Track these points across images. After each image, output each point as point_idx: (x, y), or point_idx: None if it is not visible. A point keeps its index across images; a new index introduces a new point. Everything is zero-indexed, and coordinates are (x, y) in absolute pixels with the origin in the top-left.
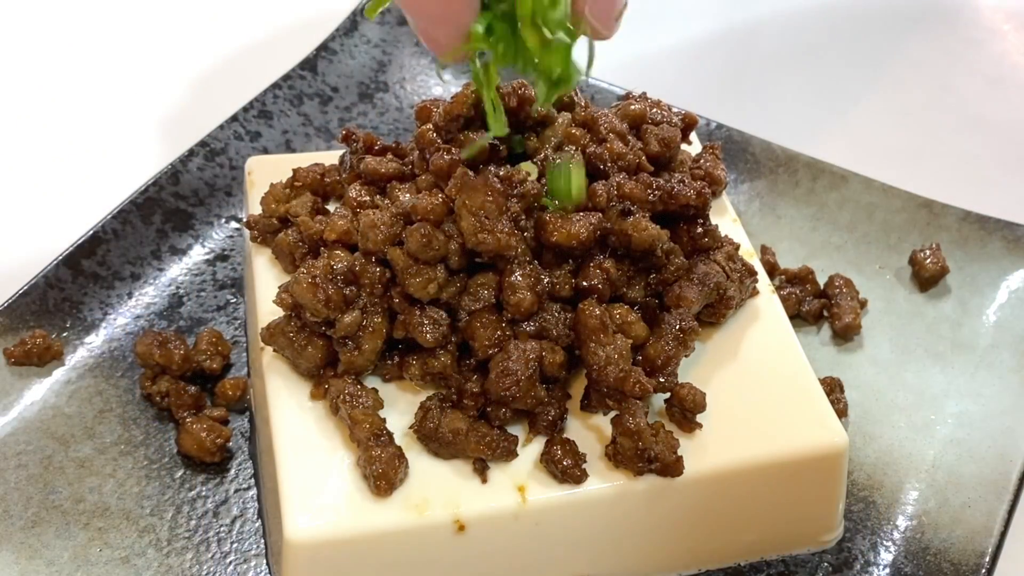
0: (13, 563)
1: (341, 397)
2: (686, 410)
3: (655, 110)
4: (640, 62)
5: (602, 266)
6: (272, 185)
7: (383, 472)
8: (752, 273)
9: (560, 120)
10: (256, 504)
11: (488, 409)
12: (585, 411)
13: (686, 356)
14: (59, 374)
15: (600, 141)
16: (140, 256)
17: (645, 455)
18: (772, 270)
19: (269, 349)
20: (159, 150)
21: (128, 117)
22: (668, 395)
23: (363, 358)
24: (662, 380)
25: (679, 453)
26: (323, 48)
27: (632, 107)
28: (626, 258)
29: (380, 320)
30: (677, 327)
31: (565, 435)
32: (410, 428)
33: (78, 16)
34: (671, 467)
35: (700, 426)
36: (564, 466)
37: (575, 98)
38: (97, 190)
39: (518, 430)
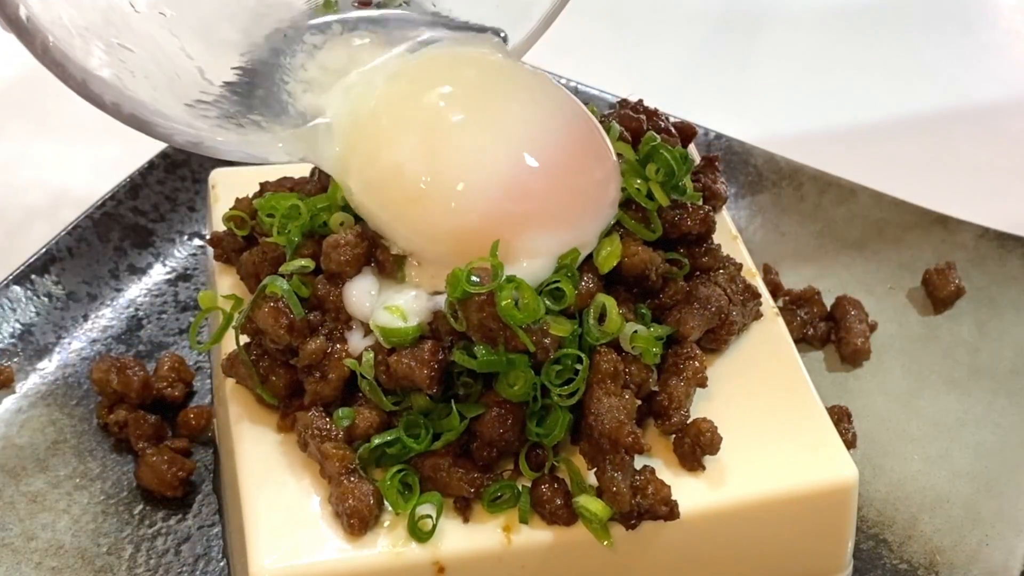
0: None
1: (309, 432)
2: (697, 446)
3: (651, 119)
4: (634, 67)
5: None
6: (237, 200)
7: (356, 509)
8: (755, 295)
9: None
10: (221, 542)
11: (473, 445)
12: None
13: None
14: (9, 402)
15: None
16: (97, 275)
17: (632, 513)
18: (775, 291)
19: None
20: (117, 162)
21: (84, 127)
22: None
23: (329, 387)
24: (674, 421)
25: (673, 498)
26: None
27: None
28: (619, 284)
29: (345, 346)
30: (681, 365)
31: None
32: None
33: None
34: (664, 516)
35: (703, 468)
36: (553, 507)
37: None
38: (51, 204)
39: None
